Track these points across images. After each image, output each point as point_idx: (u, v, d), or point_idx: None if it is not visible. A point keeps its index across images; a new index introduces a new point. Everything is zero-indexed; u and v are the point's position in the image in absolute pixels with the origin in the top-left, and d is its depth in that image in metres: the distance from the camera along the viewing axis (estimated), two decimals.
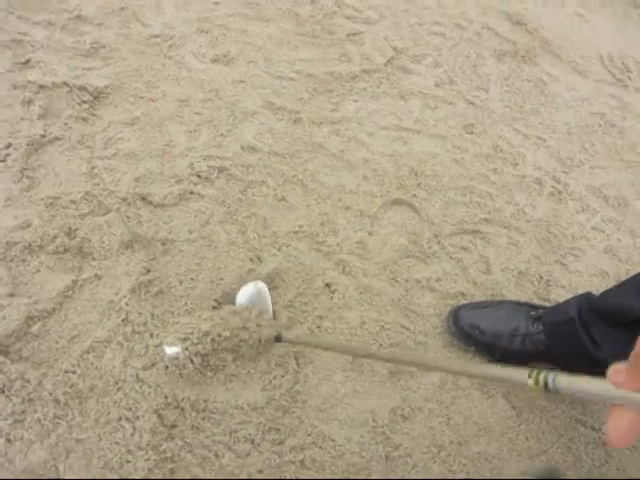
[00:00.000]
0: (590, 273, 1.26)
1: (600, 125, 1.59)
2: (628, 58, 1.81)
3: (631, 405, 0.41)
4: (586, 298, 0.97)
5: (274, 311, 1.03)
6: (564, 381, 0.47)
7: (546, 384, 0.48)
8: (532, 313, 1.05)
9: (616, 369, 0.42)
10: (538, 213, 1.33)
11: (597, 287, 1.22)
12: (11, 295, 0.93)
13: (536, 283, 1.21)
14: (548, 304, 1.12)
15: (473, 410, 1.00)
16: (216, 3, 1.57)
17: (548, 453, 0.98)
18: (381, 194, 1.26)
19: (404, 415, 0.97)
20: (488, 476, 0.94)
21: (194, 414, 0.88)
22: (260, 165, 1.24)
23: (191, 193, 1.16)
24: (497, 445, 0.97)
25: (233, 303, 1.01)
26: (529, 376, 0.50)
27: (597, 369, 1.03)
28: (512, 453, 0.97)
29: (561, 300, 1.05)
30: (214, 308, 0.99)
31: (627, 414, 0.41)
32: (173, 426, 0.86)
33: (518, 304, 1.11)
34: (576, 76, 1.71)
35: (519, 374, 0.51)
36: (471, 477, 0.93)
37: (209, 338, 0.94)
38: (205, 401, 0.89)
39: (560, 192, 1.39)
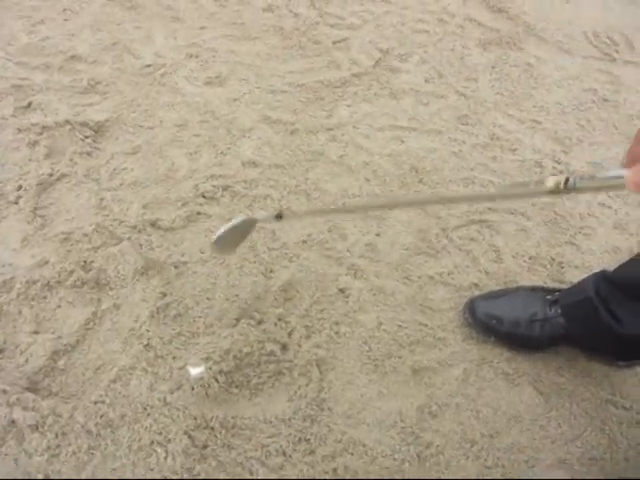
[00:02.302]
0: (602, 250, 1.25)
1: (594, 101, 1.59)
2: (613, 32, 1.81)
3: None
4: (602, 275, 0.96)
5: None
6: (585, 182, 0.51)
7: (567, 183, 0.51)
8: (548, 297, 1.05)
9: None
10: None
11: (610, 264, 1.21)
12: (35, 332, 0.95)
13: (549, 266, 1.20)
14: (563, 286, 1.11)
15: (501, 401, 1.00)
16: (202, 28, 1.60)
17: (582, 437, 0.97)
18: (384, 194, 1.27)
19: (432, 413, 0.97)
20: (524, 467, 0.93)
21: (224, 432, 0.89)
22: (262, 179, 1.26)
23: (198, 214, 1.18)
24: (529, 434, 0.97)
25: (249, 317, 1.02)
26: (550, 189, 0.53)
27: (620, 347, 1.03)
28: (545, 441, 0.96)
29: (576, 281, 1.04)
30: (233, 325, 1.01)
31: None
32: (205, 446, 0.87)
33: (533, 289, 1.10)
34: (563, 55, 1.72)
35: (540, 186, 0.54)
36: (507, 470, 0.92)
37: (231, 355, 0.95)
38: (233, 418, 0.90)
39: (562, 172, 1.39)
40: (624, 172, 0.47)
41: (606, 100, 1.58)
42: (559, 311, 1.01)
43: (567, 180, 0.51)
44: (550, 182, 0.52)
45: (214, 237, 0.90)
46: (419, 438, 0.94)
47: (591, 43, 1.76)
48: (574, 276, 1.18)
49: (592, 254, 1.24)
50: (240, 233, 0.94)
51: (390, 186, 1.29)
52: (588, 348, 1.05)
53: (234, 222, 0.91)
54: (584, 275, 1.05)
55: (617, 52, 1.73)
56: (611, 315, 0.93)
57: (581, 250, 1.24)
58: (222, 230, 0.90)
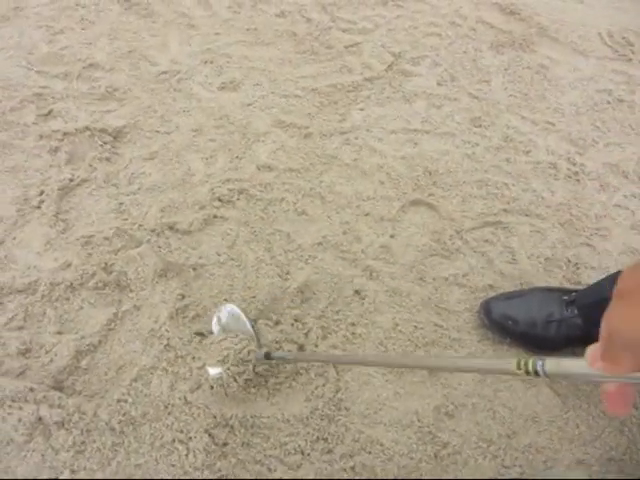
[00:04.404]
0: (619, 251, 1.25)
1: (609, 102, 1.58)
2: (628, 32, 1.80)
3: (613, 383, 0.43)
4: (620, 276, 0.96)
5: (254, 327, 1.00)
6: (552, 366, 0.48)
7: (536, 371, 0.50)
8: (565, 297, 1.05)
9: (591, 354, 0.44)
10: (557, 197, 1.33)
11: (627, 265, 1.21)
12: (59, 333, 0.98)
13: (564, 267, 1.20)
14: (580, 287, 1.11)
15: (517, 401, 1.00)
16: (217, 34, 1.63)
17: (601, 438, 0.96)
18: (398, 197, 1.28)
19: (448, 413, 0.97)
20: (542, 468, 0.93)
21: (243, 431, 0.90)
22: (277, 182, 1.28)
23: (215, 217, 1.20)
24: (547, 435, 0.97)
25: (266, 318, 1.04)
26: (518, 367, 0.51)
27: None
28: (563, 442, 0.96)
29: (592, 282, 1.04)
30: (250, 326, 1.02)
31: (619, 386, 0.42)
32: (225, 444, 0.88)
33: (549, 290, 1.10)
34: (577, 56, 1.71)
35: (506, 364, 0.52)
36: (524, 470, 0.92)
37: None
38: (252, 417, 0.92)
39: (577, 173, 1.39)
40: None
41: (621, 101, 1.57)
42: (576, 312, 1.01)
43: (535, 364, 0.50)
44: (514, 365, 0.51)
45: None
46: (436, 438, 0.94)
47: (605, 44, 1.75)
48: (590, 277, 1.18)
49: (609, 255, 1.23)
50: None
51: (404, 189, 1.30)
52: None
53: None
54: (600, 276, 1.04)
55: (632, 52, 1.72)
56: None
57: (597, 251, 1.24)
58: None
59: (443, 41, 1.69)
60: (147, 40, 1.59)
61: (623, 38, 1.77)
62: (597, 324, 1.05)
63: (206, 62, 1.55)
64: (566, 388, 1.02)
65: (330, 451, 0.90)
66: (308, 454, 0.89)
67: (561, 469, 0.93)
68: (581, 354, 1.11)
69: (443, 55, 1.64)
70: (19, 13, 1.63)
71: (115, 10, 1.67)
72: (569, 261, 1.21)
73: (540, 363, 0.49)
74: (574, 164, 1.40)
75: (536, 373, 0.49)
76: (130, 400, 0.91)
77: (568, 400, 1.01)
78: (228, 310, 1.00)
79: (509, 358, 0.53)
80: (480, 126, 1.47)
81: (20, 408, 0.86)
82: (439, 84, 1.56)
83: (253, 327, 1.00)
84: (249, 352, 0.93)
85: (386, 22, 1.72)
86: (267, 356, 0.91)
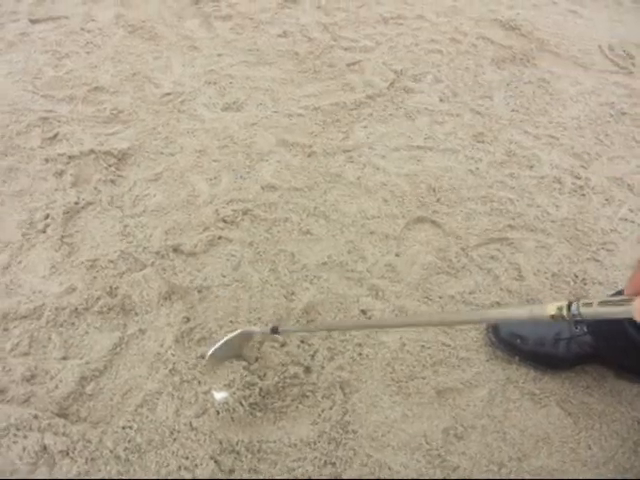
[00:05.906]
0: (626, 266, 1.23)
1: (611, 115, 1.58)
2: (629, 45, 1.81)
3: None
4: None
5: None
6: (589, 310, 0.49)
7: (570, 312, 0.50)
8: None
9: None
10: (562, 212, 1.32)
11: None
12: (64, 358, 0.97)
13: (572, 283, 1.19)
14: None
15: (528, 422, 0.98)
16: (219, 55, 1.65)
17: (614, 460, 0.94)
18: (403, 214, 1.28)
19: (457, 435, 0.96)
20: None
21: (250, 456, 0.89)
22: (282, 202, 1.28)
23: (219, 238, 1.20)
24: (559, 456, 0.94)
25: (272, 339, 1.03)
26: (551, 315, 0.52)
27: None
28: (575, 464, 0.94)
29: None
30: (256, 349, 1.01)
31: None
32: (231, 471, 0.87)
33: None
34: (578, 70, 1.72)
35: (541, 309, 0.53)
36: None
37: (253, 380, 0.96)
38: (259, 442, 0.90)
39: (582, 187, 1.38)
40: (630, 304, 0.46)
41: (624, 113, 1.57)
42: (585, 329, 1.00)
43: (569, 306, 0.50)
44: (551, 309, 0.52)
45: (209, 351, 0.94)
46: (445, 461, 0.92)
47: (606, 57, 1.76)
48: (598, 292, 1.17)
49: (616, 270, 1.22)
50: (236, 345, 0.98)
51: (408, 206, 1.30)
52: (617, 366, 1.03)
53: (230, 336, 0.95)
54: (608, 291, 1.04)
55: (633, 65, 1.73)
56: (639, 332, 0.91)
57: (604, 266, 1.22)
58: (218, 344, 0.94)
59: (444, 57, 1.70)
60: (151, 63, 1.62)
61: (623, 51, 1.78)
62: (607, 340, 1.03)
63: (209, 83, 1.57)
64: (577, 407, 1.00)
65: (338, 476, 0.89)
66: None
67: None
68: (592, 372, 1.08)
69: (444, 71, 1.66)
70: (25, 38, 1.66)
71: (119, 34, 1.71)
72: (576, 276, 1.20)
73: (575, 306, 0.49)
74: (578, 178, 1.40)
75: (569, 311, 0.50)
76: (135, 427, 0.90)
77: (580, 420, 0.99)
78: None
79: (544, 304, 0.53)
80: (483, 141, 1.47)
81: (25, 437, 0.85)
82: (441, 100, 1.57)
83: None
84: (247, 334, 0.94)
85: (387, 40, 1.74)
86: (274, 330, 0.90)
